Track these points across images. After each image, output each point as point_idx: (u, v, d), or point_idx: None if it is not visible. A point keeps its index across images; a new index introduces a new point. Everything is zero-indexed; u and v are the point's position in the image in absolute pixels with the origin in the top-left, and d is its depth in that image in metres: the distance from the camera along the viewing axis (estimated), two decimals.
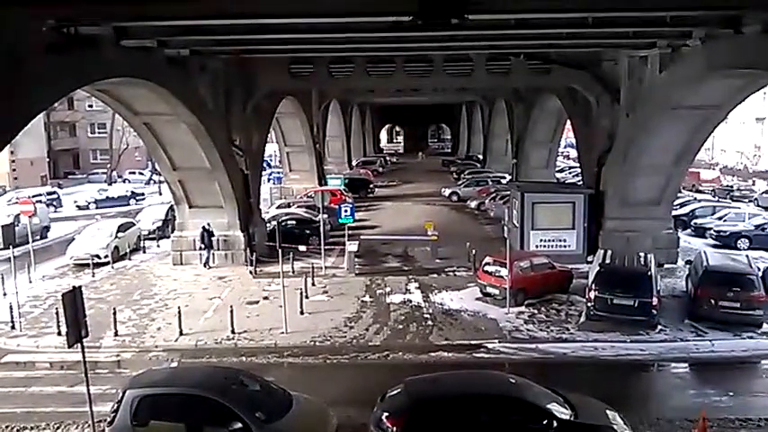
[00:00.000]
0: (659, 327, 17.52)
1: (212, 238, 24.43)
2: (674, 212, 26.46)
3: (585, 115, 26.55)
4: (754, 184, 47.34)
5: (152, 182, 53.76)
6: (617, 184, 23.81)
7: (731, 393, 14.21)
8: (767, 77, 17.13)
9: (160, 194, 46.68)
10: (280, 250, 18.62)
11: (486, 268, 20.43)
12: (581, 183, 29.54)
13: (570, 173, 48.73)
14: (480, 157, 61.93)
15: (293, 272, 22.82)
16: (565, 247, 24.29)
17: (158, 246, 28.99)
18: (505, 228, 20.74)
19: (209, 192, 24.17)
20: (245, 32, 16.57)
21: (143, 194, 47.57)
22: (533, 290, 19.84)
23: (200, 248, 24.48)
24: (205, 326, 18.14)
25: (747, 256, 21.75)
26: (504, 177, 44.54)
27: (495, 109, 53.77)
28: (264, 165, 33.85)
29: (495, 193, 37.01)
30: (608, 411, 11.40)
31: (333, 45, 20.01)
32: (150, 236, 29.92)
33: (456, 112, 79.60)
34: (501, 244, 20.27)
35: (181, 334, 17.44)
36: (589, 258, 22.59)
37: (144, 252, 27.90)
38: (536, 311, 19.13)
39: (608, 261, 18.86)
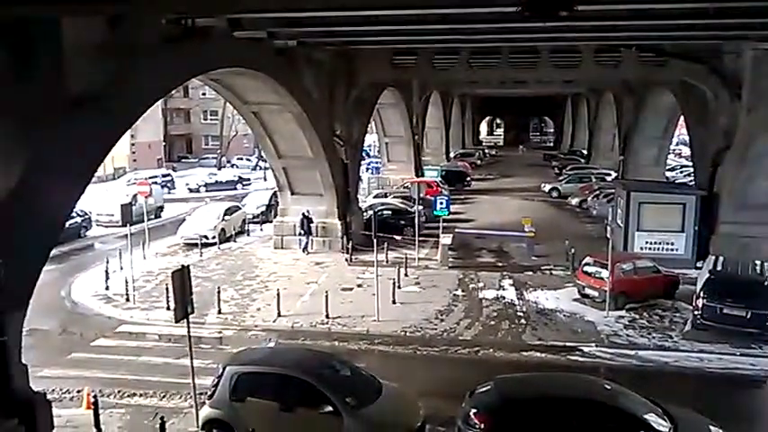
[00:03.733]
0: None
1: (311, 225, 25.16)
2: None
3: (701, 111, 24.92)
4: None
5: (258, 168, 55.93)
6: (734, 185, 22.23)
7: None
8: None
9: (265, 180, 48.55)
10: (375, 239, 18.88)
11: (586, 269, 19.73)
12: (693, 183, 27.85)
13: (681, 172, 46.00)
14: (584, 152, 59.69)
15: (387, 261, 23.07)
16: (672, 250, 22.97)
17: (261, 229, 30.21)
18: (608, 227, 19.84)
19: (310, 180, 24.88)
20: (351, 24, 16.83)
21: (249, 180, 49.64)
22: (635, 294, 18.96)
23: (300, 234, 25.28)
24: (301, 309, 18.76)
25: None
26: (610, 174, 42.72)
27: (603, 102, 51.57)
28: (363, 155, 34.36)
29: (598, 190, 35.57)
30: (711, 427, 10.73)
31: (437, 36, 19.92)
32: (254, 220, 31.25)
33: (560, 104, 77.04)
34: (602, 244, 19.48)
35: (279, 315, 18.14)
36: (699, 264, 21.30)
37: (248, 235, 29.20)
38: (637, 316, 18.29)
39: (719, 268, 17.69)
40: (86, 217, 30.07)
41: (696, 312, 16.94)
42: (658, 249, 22.90)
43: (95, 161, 11.19)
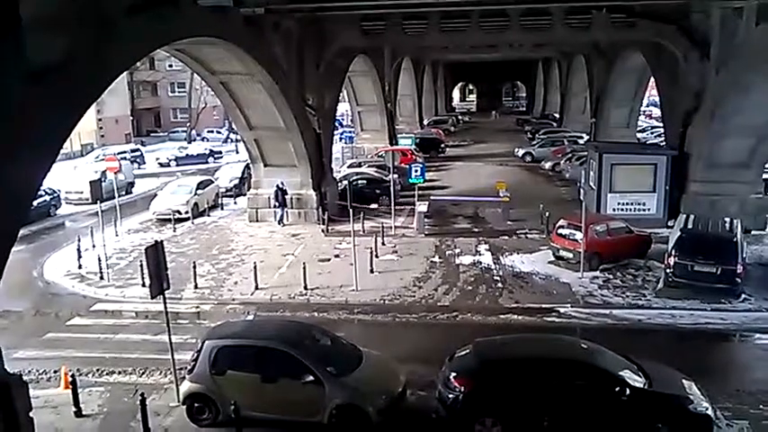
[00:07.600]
0: (743, 296, 16.70)
1: (286, 197, 24.96)
2: (764, 176, 24.86)
3: (671, 72, 25.10)
4: None
5: (229, 140, 55.06)
6: (703, 145, 22.53)
7: None
8: None
9: (237, 153, 47.91)
10: (351, 209, 18.82)
11: (560, 231, 19.97)
12: (664, 144, 28.19)
13: (652, 133, 46.52)
14: (557, 116, 60.01)
15: (363, 231, 23.03)
16: (644, 210, 23.35)
17: (235, 203, 29.92)
18: (581, 190, 20.08)
19: (283, 151, 24.59)
20: None
21: (221, 153, 48.91)
22: (609, 254, 19.28)
23: (275, 206, 25.08)
24: (279, 281, 18.71)
25: None
26: (582, 137, 43.04)
27: (574, 65, 51.68)
28: (336, 124, 34.04)
29: (571, 153, 35.87)
30: (684, 381, 11.03)
31: (406, 0, 19.63)
32: (228, 193, 30.91)
33: (532, 68, 77.04)
34: (576, 206, 19.73)
35: (257, 288, 18.07)
36: (670, 223, 21.68)
37: (222, 209, 28.88)
38: (611, 276, 18.62)
39: (690, 226, 18.04)
40: (55, 195, 29.41)
41: (668, 270, 17.32)
42: (631, 210, 23.24)
43: (61, 136, 10.83)
